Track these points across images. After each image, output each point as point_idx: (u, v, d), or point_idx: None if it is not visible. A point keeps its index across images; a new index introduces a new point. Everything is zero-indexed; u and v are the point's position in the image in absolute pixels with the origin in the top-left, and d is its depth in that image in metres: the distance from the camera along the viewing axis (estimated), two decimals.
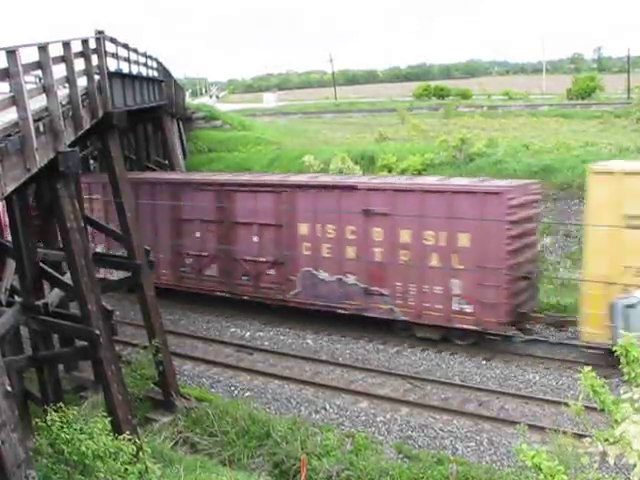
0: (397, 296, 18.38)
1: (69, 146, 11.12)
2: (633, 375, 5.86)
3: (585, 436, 6.19)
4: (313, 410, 15.42)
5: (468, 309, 17.38)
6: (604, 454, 5.75)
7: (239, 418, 14.49)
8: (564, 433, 11.29)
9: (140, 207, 20.29)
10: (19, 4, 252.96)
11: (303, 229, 20.00)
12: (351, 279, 19.20)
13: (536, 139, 31.94)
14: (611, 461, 5.71)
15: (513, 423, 13.98)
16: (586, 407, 6.38)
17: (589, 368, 5.99)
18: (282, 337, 19.94)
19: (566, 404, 6.42)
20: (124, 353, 17.50)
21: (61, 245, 12.30)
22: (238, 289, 21.42)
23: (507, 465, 12.56)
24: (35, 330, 12.25)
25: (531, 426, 13.75)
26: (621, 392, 6.02)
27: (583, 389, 5.98)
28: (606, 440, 5.72)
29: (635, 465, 5.51)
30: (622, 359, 5.90)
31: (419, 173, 27.51)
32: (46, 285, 12.71)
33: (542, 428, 13.35)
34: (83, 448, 9.27)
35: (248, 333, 20.44)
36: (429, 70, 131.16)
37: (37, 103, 9.97)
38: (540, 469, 5.56)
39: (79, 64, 12.63)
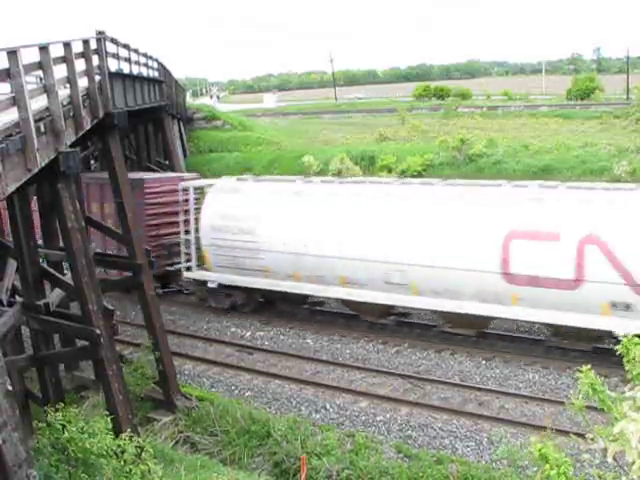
0: None
1: (70, 146, 11.15)
2: (635, 374, 5.88)
3: (583, 435, 6.21)
4: (313, 410, 15.44)
5: None
6: (605, 451, 5.78)
7: (239, 418, 14.51)
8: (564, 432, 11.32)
9: None
10: (18, 4, 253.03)
11: None
12: None
13: (535, 139, 32.03)
14: (610, 459, 5.74)
15: (513, 423, 14.05)
16: (587, 406, 6.40)
17: (588, 367, 6.02)
18: (282, 337, 19.96)
19: (571, 403, 6.43)
20: (125, 353, 17.52)
21: (62, 245, 12.33)
22: None
23: (506, 465, 12.58)
24: (36, 330, 12.28)
25: (530, 426, 13.82)
26: (626, 390, 6.06)
27: (582, 388, 6.01)
28: (606, 438, 5.75)
29: (634, 462, 5.54)
30: (623, 358, 5.94)
31: (419, 174, 27.53)
32: (47, 285, 12.73)
33: (542, 427, 13.37)
34: (87, 445, 9.30)
35: (248, 333, 20.46)
36: (429, 70, 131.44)
37: (38, 103, 10.00)
38: (547, 460, 5.59)
39: (80, 64, 12.65)
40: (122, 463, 9.40)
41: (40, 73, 10.52)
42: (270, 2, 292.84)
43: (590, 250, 15.44)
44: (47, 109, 10.27)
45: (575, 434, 8.05)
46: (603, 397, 5.86)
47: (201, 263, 21.97)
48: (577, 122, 42.26)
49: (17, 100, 8.67)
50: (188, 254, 21.99)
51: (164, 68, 28.32)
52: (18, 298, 12.40)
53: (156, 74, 25.12)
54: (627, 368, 5.89)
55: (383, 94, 76.61)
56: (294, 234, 19.51)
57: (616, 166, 25.57)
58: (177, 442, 14.47)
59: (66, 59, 11.53)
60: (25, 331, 13.40)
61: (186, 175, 25.07)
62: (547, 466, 5.55)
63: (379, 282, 18.26)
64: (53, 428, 9.52)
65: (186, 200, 22.07)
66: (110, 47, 15.90)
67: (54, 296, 12.44)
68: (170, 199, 22.67)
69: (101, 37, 14.70)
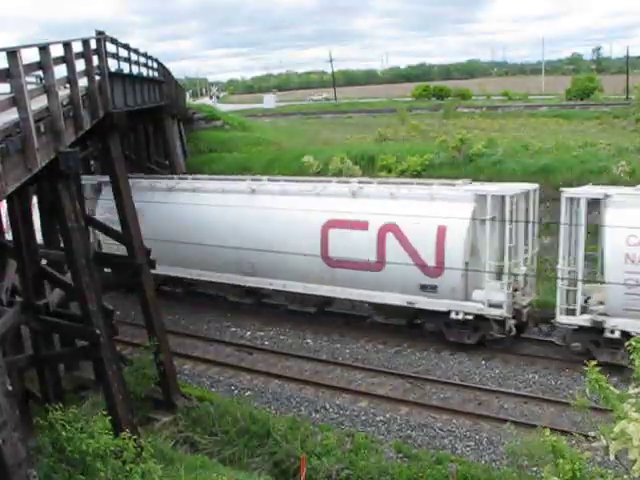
0: None
1: (70, 146, 11.15)
2: None
3: (585, 435, 6.22)
4: (313, 409, 15.45)
5: None
6: (607, 449, 5.80)
7: (239, 417, 14.51)
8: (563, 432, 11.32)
9: None
10: (15, 3, 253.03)
11: None
12: None
13: (535, 139, 31.95)
14: (612, 457, 5.75)
15: (512, 423, 14.04)
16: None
17: (593, 363, 6.04)
18: (282, 337, 19.97)
19: (574, 403, 6.43)
20: (125, 353, 17.50)
21: (62, 245, 12.32)
22: None
23: (506, 464, 12.58)
24: (36, 330, 12.29)
25: (529, 425, 13.82)
26: (629, 388, 6.07)
27: (588, 384, 6.02)
28: (609, 436, 5.76)
29: (636, 461, 5.55)
30: (632, 356, 5.96)
31: (418, 174, 27.49)
32: (47, 285, 12.72)
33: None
34: (84, 446, 9.31)
35: (248, 333, 20.46)
36: (429, 70, 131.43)
37: (38, 103, 10.00)
38: (562, 455, 5.59)
39: (80, 64, 12.65)
40: (122, 462, 9.41)
41: (40, 73, 10.52)
42: (270, 2, 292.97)
43: None
44: (47, 109, 10.26)
45: (577, 433, 8.06)
46: (607, 394, 5.87)
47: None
48: (576, 122, 42.27)
49: (17, 100, 8.68)
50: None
51: (164, 68, 28.31)
52: (18, 298, 12.39)
53: (156, 74, 25.11)
54: (637, 364, 5.90)
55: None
56: None
57: (615, 166, 25.54)
58: (177, 442, 14.45)
59: (66, 59, 11.53)
60: (25, 331, 13.38)
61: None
62: (561, 460, 5.55)
63: None
64: (53, 428, 9.54)
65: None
66: (110, 47, 15.89)
67: (54, 296, 12.44)
68: None
69: (101, 37, 14.70)
